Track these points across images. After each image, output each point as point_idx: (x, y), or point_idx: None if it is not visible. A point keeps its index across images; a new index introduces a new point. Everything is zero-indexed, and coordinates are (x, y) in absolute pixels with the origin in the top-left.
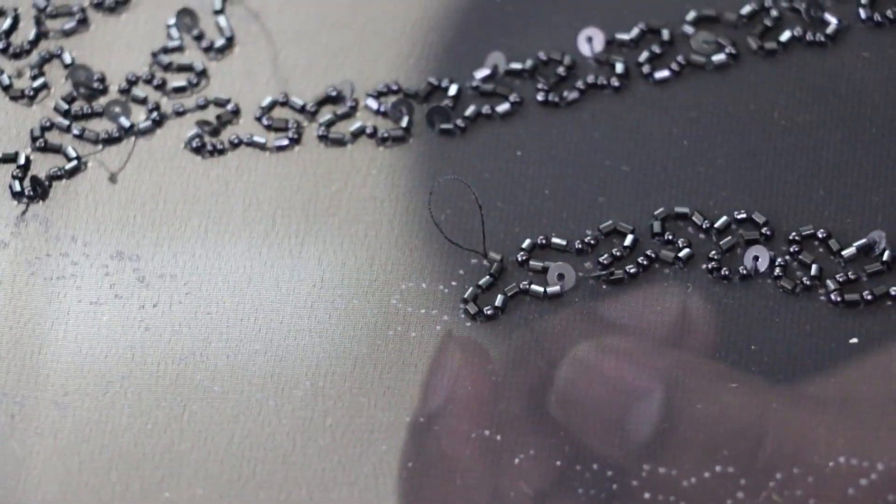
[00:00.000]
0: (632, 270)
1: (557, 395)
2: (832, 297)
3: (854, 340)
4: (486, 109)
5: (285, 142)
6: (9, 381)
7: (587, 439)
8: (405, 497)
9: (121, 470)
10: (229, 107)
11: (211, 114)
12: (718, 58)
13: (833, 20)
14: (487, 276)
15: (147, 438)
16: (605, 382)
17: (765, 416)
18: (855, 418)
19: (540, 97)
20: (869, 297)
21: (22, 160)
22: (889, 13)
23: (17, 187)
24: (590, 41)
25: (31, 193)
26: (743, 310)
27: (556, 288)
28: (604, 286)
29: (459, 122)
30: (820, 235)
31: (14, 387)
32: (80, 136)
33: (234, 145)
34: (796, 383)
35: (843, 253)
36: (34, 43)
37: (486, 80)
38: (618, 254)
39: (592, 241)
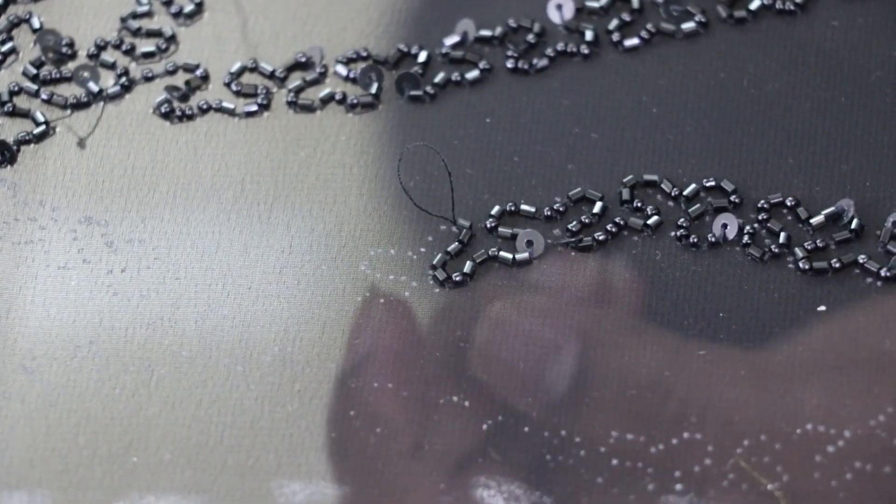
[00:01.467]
0: (600, 237)
1: (477, 355)
2: (800, 264)
3: (822, 308)
4: (455, 76)
5: (254, 108)
6: None
7: (508, 396)
8: (338, 460)
9: (88, 434)
10: (198, 72)
11: (180, 79)
12: (688, 26)
13: None
14: (456, 243)
15: (115, 403)
16: (522, 338)
17: (729, 386)
18: (822, 385)
19: (509, 64)
20: (837, 265)
21: None
22: None
23: None
24: (559, 8)
25: (0, 158)
26: (711, 277)
27: (525, 255)
28: (573, 253)
29: (429, 88)
30: (788, 203)
31: None
32: (48, 101)
33: (203, 111)
34: (764, 350)
35: (812, 221)
36: (2, 8)
37: (455, 46)
38: (587, 221)
39: (561, 209)
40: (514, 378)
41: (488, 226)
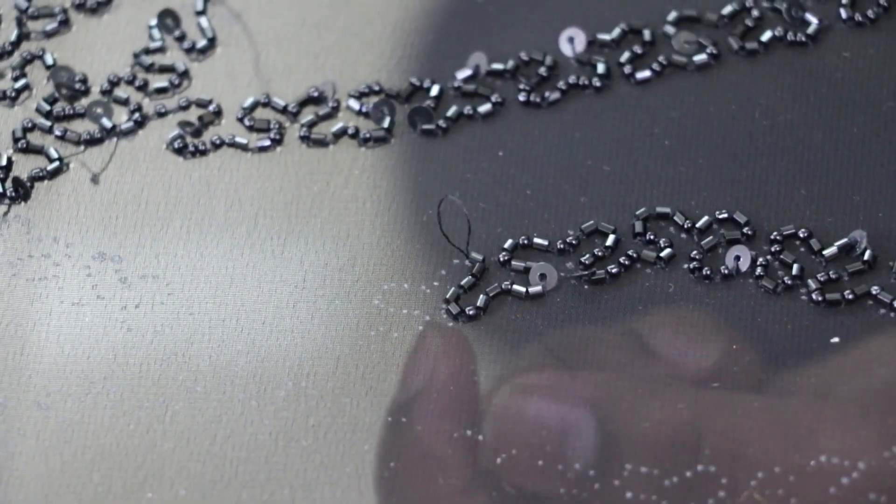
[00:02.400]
0: (613, 270)
1: (490, 446)
2: (813, 296)
3: (835, 340)
4: (467, 110)
5: (267, 142)
6: None
7: (527, 483)
8: (384, 497)
9: (103, 471)
10: (211, 107)
11: (193, 115)
12: (700, 58)
13: (814, 20)
14: (469, 277)
15: (129, 439)
16: (532, 424)
17: (743, 418)
18: (836, 417)
19: (522, 97)
20: (850, 297)
21: (4, 161)
22: (869, 13)
23: None
24: (571, 41)
25: (13, 194)
26: (724, 310)
27: (538, 288)
28: (585, 286)
29: (441, 122)
30: (801, 235)
31: None
32: (62, 137)
33: (216, 146)
34: (777, 382)
35: (825, 252)
36: (16, 44)
37: (467, 80)
38: (600, 254)
39: (574, 242)
40: (532, 465)
41: (501, 259)
